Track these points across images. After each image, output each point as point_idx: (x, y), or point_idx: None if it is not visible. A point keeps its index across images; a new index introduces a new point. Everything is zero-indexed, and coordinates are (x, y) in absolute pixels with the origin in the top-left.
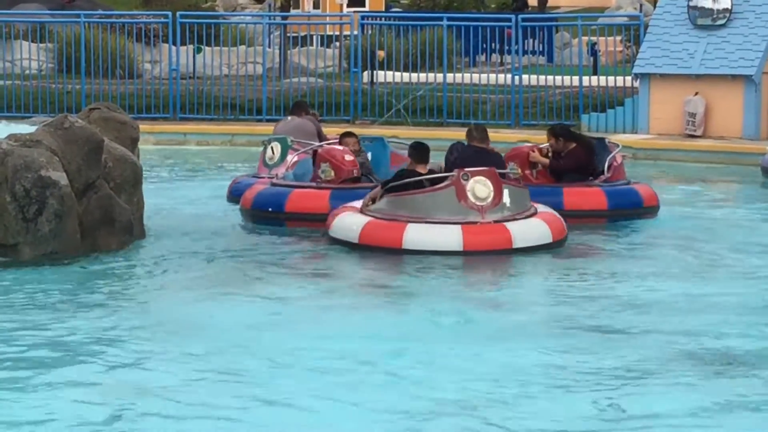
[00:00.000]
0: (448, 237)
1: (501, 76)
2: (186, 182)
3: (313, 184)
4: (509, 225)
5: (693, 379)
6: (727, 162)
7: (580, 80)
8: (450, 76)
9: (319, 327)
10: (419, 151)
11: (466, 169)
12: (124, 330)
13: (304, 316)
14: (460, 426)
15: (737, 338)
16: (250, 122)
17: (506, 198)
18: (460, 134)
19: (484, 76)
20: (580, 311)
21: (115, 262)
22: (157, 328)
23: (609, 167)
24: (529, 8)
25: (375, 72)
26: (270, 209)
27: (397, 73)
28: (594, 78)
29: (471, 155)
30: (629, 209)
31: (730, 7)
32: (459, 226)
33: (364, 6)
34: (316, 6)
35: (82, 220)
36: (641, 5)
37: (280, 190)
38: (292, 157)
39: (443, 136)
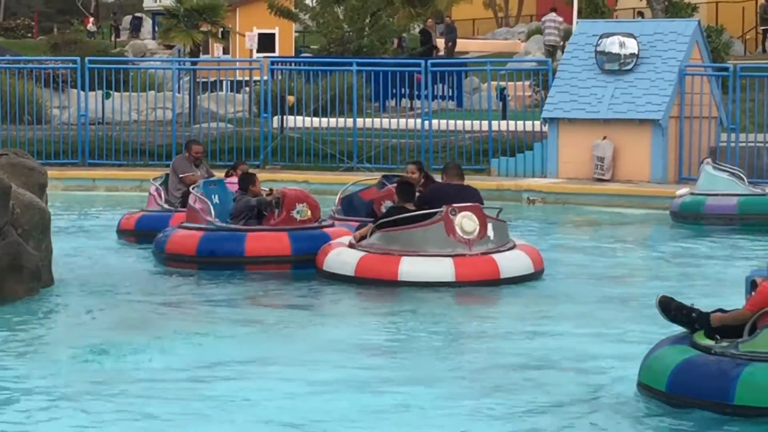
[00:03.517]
0: (441, 269)
1: (411, 120)
2: (95, 228)
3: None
4: (495, 257)
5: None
6: (636, 206)
7: (489, 125)
8: (360, 121)
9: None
10: (406, 190)
11: (454, 205)
12: (32, 380)
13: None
14: None
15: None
16: (160, 168)
17: (490, 231)
18: (369, 179)
19: (394, 120)
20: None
21: (23, 310)
22: (66, 377)
23: None
24: (438, 53)
25: (285, 117)
26: None
27: (308, 119)
28: (503, 123)
29: (453, 192)
30: None
31: (637, 53)
32: (450, 259)
33: (273, 51)
34: (225, 51)
35: None
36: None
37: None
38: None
39: (353, 181)
